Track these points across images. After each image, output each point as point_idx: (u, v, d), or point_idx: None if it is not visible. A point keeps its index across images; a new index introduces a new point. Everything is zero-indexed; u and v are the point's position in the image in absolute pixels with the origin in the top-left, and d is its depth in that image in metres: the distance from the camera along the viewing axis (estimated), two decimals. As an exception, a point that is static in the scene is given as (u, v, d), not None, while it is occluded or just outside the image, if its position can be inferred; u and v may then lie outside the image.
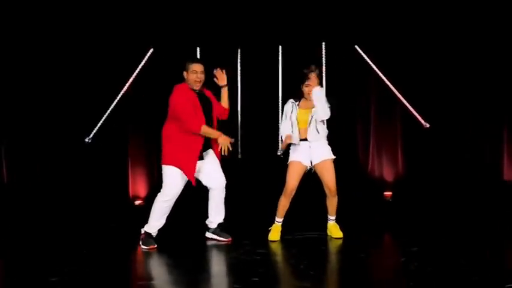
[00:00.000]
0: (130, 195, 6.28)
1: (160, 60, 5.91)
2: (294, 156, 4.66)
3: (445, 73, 6.20)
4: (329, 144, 5.57)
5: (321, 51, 6.01)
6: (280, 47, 6.01)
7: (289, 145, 4.72)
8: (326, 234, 4.85)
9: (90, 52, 6.03)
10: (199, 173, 4.64)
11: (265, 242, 4.67)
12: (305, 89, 4.64)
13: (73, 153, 6.09)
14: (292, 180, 4.63)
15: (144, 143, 6.13)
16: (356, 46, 6.03)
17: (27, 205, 6.04)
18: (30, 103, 6.06)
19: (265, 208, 4.97)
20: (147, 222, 4.63)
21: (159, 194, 4.60)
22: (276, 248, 4.56)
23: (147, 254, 4.46)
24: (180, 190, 4.58)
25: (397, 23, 6.16)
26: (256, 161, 5.40)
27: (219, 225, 4.80)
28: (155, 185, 6.15)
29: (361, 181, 6.39)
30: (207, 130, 4.43)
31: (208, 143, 4.67)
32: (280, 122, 4.82)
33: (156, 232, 4.64)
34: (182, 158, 4.51)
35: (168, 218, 4.70)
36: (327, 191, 4.71)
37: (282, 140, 4.70)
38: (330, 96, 4.80)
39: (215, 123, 4.68)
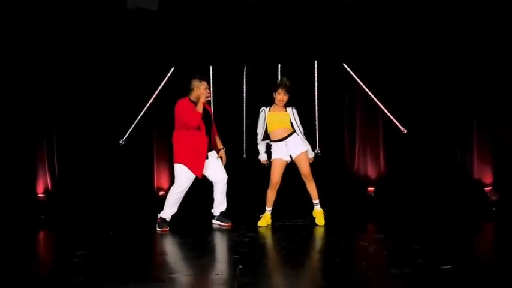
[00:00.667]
0: (155, 187, 6.84)
1: (179, 77, 6.39)
2: (275, 154, 5.29)
3: (421, 84, 6.49)
4: (320, 146, 6.03)
5: (314, 69, 6.40)
6: (279, 65, 6.44)
7: (269, 146, 5.34)
8: (311, 223, 5.28)
9: (126, 70, 6.61)
10: (206, 170, 5.31)
11: (257, 228, 5.26)
12: (277, 97, 5.26)
13: (110, 152, 6.61)
14: (276, 175, 5.26)
15: (166, 144, 6.54)
16: (344, 64, 6.46)
17: (74, 194, 6.69)
18: (81, 112, 6.69)
19: (265, 202, 5.42)
20: (163, 210, 5.33)
21: (172, 188, 5.30)
22: (265, 232, 5.13)
23: (162, 235, 5.10)
24: (189, 184, 5.23)
25: (378, 41, 6.50)
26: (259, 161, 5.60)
27: (221, 213, 5.45)
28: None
29: (348, 178, 6.73)
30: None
31: (212, 146, 5.36)
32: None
33: (170, 218, 5.33)
34: (190, 158, 5.15)
35: (180, 206, 5.32)
36: (304, 178, 5.25)
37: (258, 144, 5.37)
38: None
39: (213, 135, 5.30)
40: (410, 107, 6.53)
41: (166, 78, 6.45)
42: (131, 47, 6.65)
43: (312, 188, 5.30)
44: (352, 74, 6.43)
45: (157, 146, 6.85)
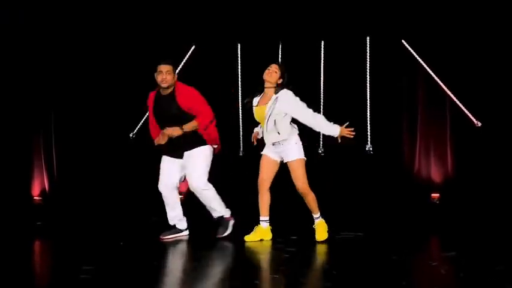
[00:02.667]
0: None
1: (202, 56, 6.04)
2: (264, 149, 4.57)
3: (498, 68, 5.88)
4: (372, 142, 5.49)
5: (366, 47, 5.86)
6: (322, 42, 5.93)
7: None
8: (362, 235, 4.76)
9: (135, 51, 6.23)
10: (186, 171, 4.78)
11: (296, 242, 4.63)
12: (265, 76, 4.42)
13: (118, 148, 6.33)
14: (262, 173, 4.52)
15: None
16: (403, 40, 5.86)
17: (75, 197, 6.41)
18: (84, 100, 6.45)
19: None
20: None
21: None
22: (307, 247, 4.47)
23: (182, 246, 4.61)
24: (168, 178, 4.75)
25: (446, 15, 5.90)
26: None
27: (218, 218, 4.84)
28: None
29: (407, 182, 6.20)
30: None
31: (188, 144, 4.67)
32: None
33: (176, 222, 4.82)
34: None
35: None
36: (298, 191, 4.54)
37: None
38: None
39: (197, 119, 4.61)
40: (485, 94, 5.94)
41: (186, 58, 6.09)
42: (144, 23, 6.29)
43: (308, 202, 4.51)
44: (414, 53, 5.87)
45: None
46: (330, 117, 4.53)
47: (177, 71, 5.91)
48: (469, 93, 5.91)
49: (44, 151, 6.60)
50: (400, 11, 5.96)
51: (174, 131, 4.56)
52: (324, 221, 4.60)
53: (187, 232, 4.84)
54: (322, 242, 4.52)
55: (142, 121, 6.04)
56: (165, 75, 4.58)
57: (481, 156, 6.06)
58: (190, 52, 6.05)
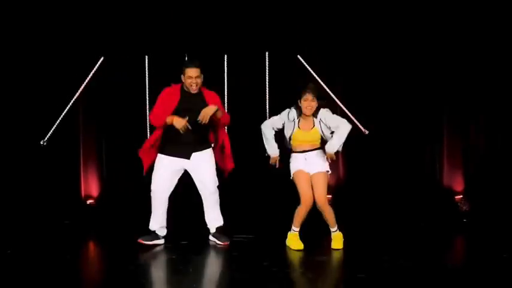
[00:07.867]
0: (83, 194, 6.34)
1: (110, 68, 6.03)
2: (295, 166, 4.76)
3: (384, 80, 6.22)
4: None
5: (265, 61, 6.05)
6: (225, 56, 6.05)
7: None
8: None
9: (48, 60, 6.14)
10: (193, 174, 4.72)
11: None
12: (303, 104, 4.69)
13: (29, 155, 6.16)
14: (307, 189, 4.63)
15: (96, 144, 6.30)
16: (298, 56, 6.04)
17: None
18: None
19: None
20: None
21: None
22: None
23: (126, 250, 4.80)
24: (167, 183, 4.63)
25: (335, 33, 6.19)
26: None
27: (217, 228, 4.88)
28: (106, 186, 6.37)
29: None
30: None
31: (200, 145, 4.63)
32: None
33: (159, 229, 4.79)
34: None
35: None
36: (317, 204, 4.64)
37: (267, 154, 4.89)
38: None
39: (217, 123, 4.62)
40: (373, 105, 6.22)
41: (94, 70, 5.98)
42: (53, 35, 6.19)
43: (326, 215, 4.80)
44: (308, 68, 6.03)
45: (85, 147, 6.39)
46: (235, 119, 5.00)
47: (86, 81, 5.89)
48: (358, 104, 6.02)
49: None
50: (295, 30, 6.17)
51: (210, 110, 4.37)
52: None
53: (163, 241, 4.86)
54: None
55: (54, 127, 5.83)
56: (196, 80, 4.51)
57: (369, 162, 6.30)
58: (98, 64, 5.93)
